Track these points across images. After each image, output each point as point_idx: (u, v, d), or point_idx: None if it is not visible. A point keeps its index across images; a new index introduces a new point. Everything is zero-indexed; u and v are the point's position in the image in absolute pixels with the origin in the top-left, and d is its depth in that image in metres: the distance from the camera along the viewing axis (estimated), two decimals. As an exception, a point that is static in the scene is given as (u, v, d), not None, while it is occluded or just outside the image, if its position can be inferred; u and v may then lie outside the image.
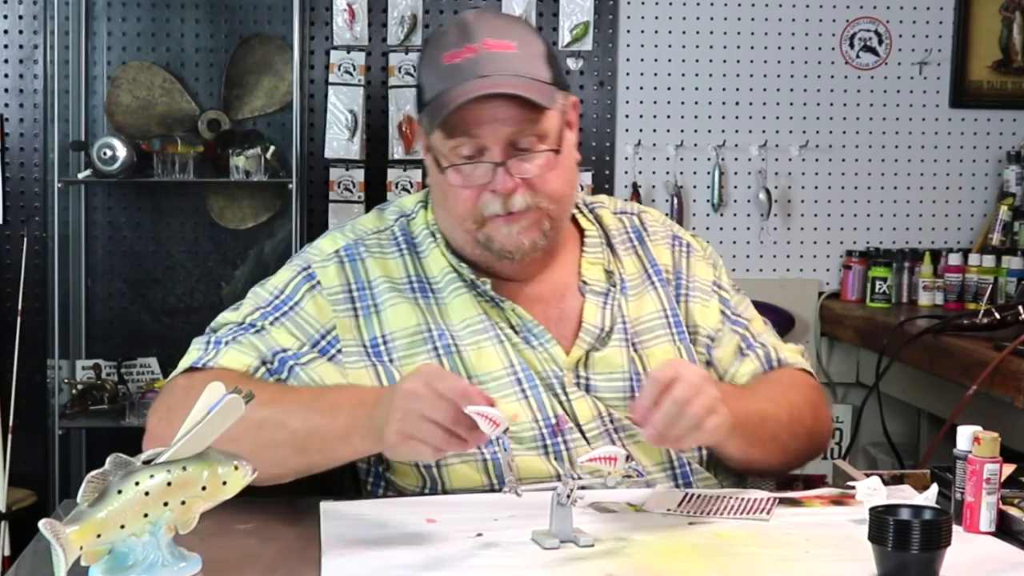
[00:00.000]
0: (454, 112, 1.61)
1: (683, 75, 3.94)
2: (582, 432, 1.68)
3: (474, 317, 1.71)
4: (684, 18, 3.92)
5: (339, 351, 1.68)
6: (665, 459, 1.70)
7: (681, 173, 3.95)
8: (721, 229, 3.98)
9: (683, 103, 3.94)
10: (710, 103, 3.95)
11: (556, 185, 1.68)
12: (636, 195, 3.88)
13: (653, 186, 3.94)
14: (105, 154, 3.47)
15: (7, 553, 3.33)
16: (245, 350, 1.66)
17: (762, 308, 3.94)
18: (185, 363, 1.70)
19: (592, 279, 1.77)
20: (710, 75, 3.94)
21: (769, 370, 1.81)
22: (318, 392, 1.60)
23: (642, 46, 3.92)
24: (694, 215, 3.97)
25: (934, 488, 1.57)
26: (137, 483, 1.23)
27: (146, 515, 1.24)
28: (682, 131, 3.95)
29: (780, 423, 1.69)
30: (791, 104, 3.98)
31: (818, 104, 3.98)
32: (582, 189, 3.63)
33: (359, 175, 3.80)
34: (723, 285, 1.88)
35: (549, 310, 1.75)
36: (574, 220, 1.82)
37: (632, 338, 1.75)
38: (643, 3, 3.91)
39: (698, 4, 3.92)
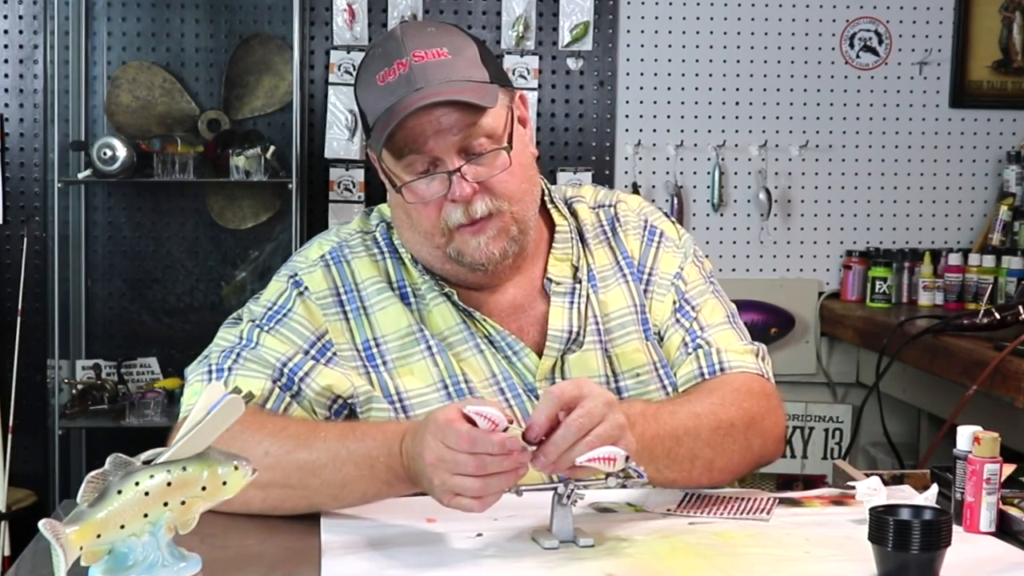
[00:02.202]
0: (398, 130, 1.60)
1: (683, 75, 3.94)
2: None
3: (453, 328, 1.70)
4: (684, 18, 3.93)
5: (335, 353, 1.68)
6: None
7: (681, 173, 3.95)
8: (721, 229, 3.98)
9: (683, 103, 3.95)
10: (710, 103, 3.95)
11: (514, 184, 1.66)
12: (636, 195, 3.87)
13: (653, 186, 3.94)
14: (105, 154, 3.47)
15: (7, 553, 3.33)
16: (251, 372, 1.64)
17: (762, 308, 3.99)
18: (191, 402, 1.64)
19: (559, 276, 1.75)
20: (710, 75, 3.95)
21: (711, 376, 1.72)
22: (341, 436, 1.53)
23: (642, 46, 3.92)
24: (694, 215, 3.97)
25: (934, 488, 1.57)
26: (137, 483, 1.23)
27: (146, 515, 1.24)
28: (682, 131, 3.95)
29: (701, 440, 1.59)
30: (791, 104, 3.98)
31: (818, 104, 3.99)
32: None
33: (359, 175, 3.80)
34: (684, 276, 1.79)
35: (522, 317, 1.73)
36: (548, 215, 1.80)
37: (603, 336, 1.74)
38: (643, 3, 3.91)
39: (698, 4, 3.93)
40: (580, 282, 1.75)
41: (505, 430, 1.38)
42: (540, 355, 1.71)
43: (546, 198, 1.80)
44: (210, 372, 1.66)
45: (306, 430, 1.55)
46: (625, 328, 1.75)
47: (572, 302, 1.74)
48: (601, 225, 1.83)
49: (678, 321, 1.76)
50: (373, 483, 1.49)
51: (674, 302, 1.77)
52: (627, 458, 1.40)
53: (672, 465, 1.58)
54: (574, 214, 1.82)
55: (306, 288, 1.71)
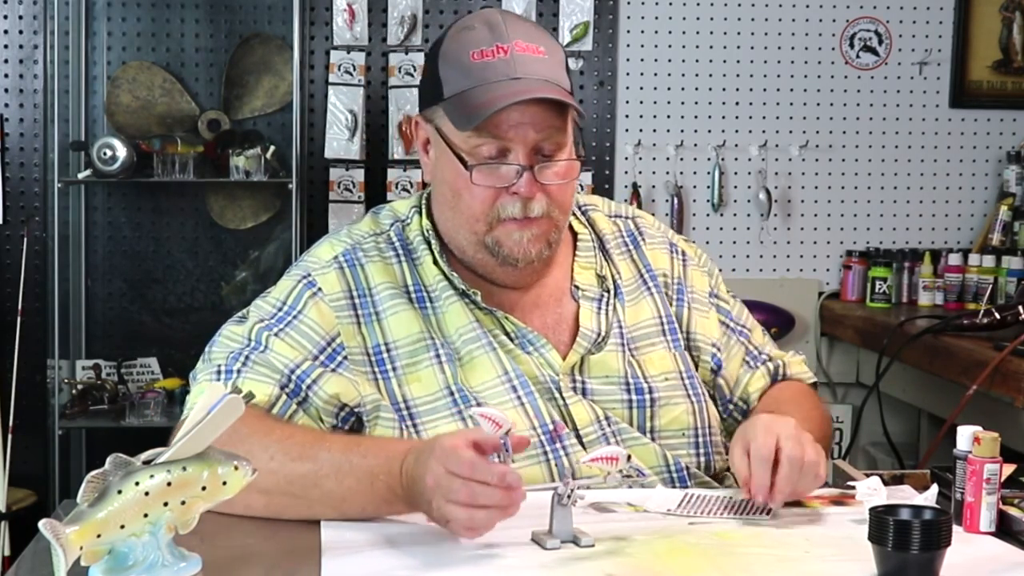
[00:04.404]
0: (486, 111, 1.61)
1: (683, 75, 3.94)
2: (579, 438, 1.68)
3: (466, 326, 1.70)
4: (684, 18, 3.92)
5: (345, 358, 1.67)
6: (662, 463, 1.70)
7: (681, 173, 3.95)
8: (721, 229, 3.98)
9: (683, 103, 3.95)
10: (710, 103, 3.95)
11: (567, 195, 1.70)
12: (636, 195, 3.88)
13: (653, 186, 3.94)
14: (105, 154, 3.47)
15: (7, 553, 3.33)
16: (260, 377, 1.63)
17: (762, 308, 3.99)
18: (195, 401, 1.63)
19: (585, 284, 1.78)
20: (710, 75, 3.95)
21: (774, 383, 1.87)
22: (346, 448, 1.54)
23: (642, 46, 3.92)
24: (694, 215, 3.97)
25: (934, 488, 1.57)
26: (137, 483, 1.23)
27: (146, 515, 1.24)
28: (682, 131, 3.95)
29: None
30: (791, 104, 3.98)
31: (818, 104, 3.99)
32: (582, 189, 3.64)
33: (359, 175, 3.80)
34: (720, 295, 1.89)
35: (546, 316, 1.75)
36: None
37: (628, 343, 1.76)
38: (643, 3, 3.91)
39: (698, 4, 3.92)
40: (608, 292, 1.78)
41: (508, 432, 1.39)
42: (560, 353, 1.72)
43: None
44: (219, 374, 1.65)
45: (312, 439, 1.56)
46: (650, 338, 1.78)
47: (600, 308, 1.76)
48: (621, 236, 1.86)
49: (738, 340, 1.86)
50: (372, 499, 1.50)
51: (721, 321, 1.85)
52: (629, 457, 1.41)
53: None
54: (591, 223, 1.85)
55: (320, 289, 1.70)
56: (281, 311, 1.69)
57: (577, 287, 1.77)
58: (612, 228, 1.85)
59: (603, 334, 1.74)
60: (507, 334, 1.71)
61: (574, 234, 1.82)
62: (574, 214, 1.82)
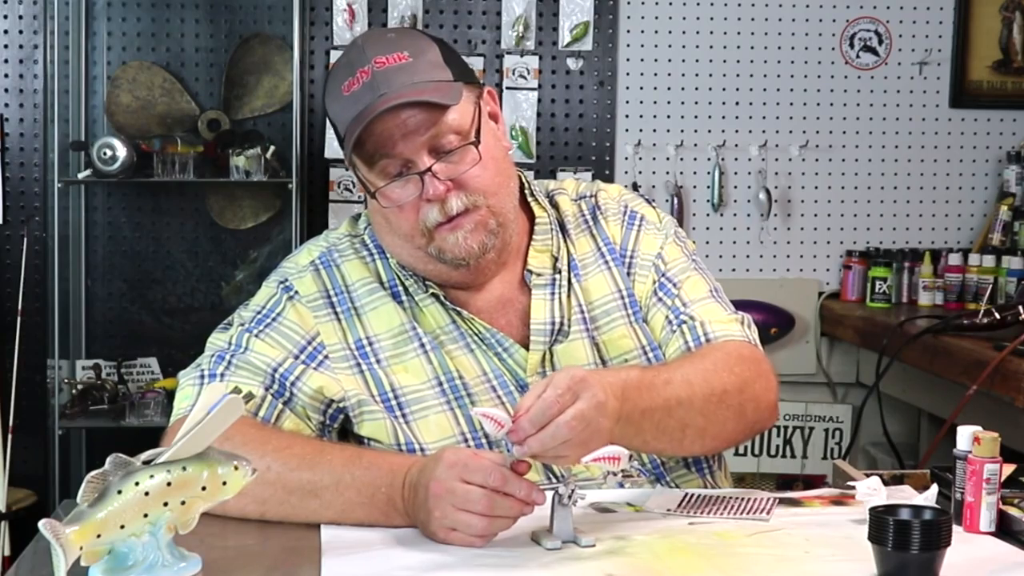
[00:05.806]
0: (366, 136, 1.62)
1: (683, 75, 3.94)
2: None
3: (445, 327, 1.71)
4: (684, 18, 3.92)
5: (326, 357, 1.68)
6: (636, 456, 1.69)
7: (681, 173, 3.95)
8: (721, 229, 3.98)
9: (683, 103, 3.95)
10: (710, 103, 3.95)
11: (487, 178, 1.67)
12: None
13: (653, 186, 3.94)
14: (105, 154, 3.47)
15: (7, 553, 3.33)
16: (244, 379, 1.64)
17: (762, 308, 3.99)
18: (183, 405, 1.65)
19: (539, 267, 1.75)
20: (710, 75, 3.95)
21: (697, 347, 1.71)
22: (348, 461, 1.54)
23: (642, 46, 3.92)
24: (694, 215, 3.97)
25: (934, 488, 1.57)
26: (137, 483, 1.23)
27: (146, 515, 1.24)
28: (682, 131, 3.95)
29: (695, 410, 1.58)
30: (791, 104, 3.98)
31: (818, 104, 3.99)
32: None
33: (359, 175, 3.79)
34: (664, 255, 1.79)
35: (510, 312, 1.74)
36: (528, 209, 1.80)
37: (589, 324, 1.74)
38: (643, 3, 3.91)
39: (698, 4, 3.93)
40: (560, 272, 1.76)
41: (509, 432, 1.39)
42: (529, 349, 1.71)
43: (526, 191, 1.80)
44: (202, 377, 1.66)
45: (312, 450, 1.56)
46: (610, 315, 1.75)
47: (553, 293, 1.74)
48: (583, 215, 1.83)
49: (660, 300, 1.76)
50: (371, 512, 1.50)
51: (654, 281, 1.77)
52: (630, 457, 1.41)
53: (661, 436, 1.58)
54: (555, 206, 1.83)
55: (296, 292, 1.72)
56: (260, 314, 1.71)
57: (530, 271, 1.75)
58: (575, 209, 1.83)
59: (561, 321, 1.72)
60: (477, 335, 1.71)
61: (533, 219, 1.80)
62: (536, 200, 1.80)
